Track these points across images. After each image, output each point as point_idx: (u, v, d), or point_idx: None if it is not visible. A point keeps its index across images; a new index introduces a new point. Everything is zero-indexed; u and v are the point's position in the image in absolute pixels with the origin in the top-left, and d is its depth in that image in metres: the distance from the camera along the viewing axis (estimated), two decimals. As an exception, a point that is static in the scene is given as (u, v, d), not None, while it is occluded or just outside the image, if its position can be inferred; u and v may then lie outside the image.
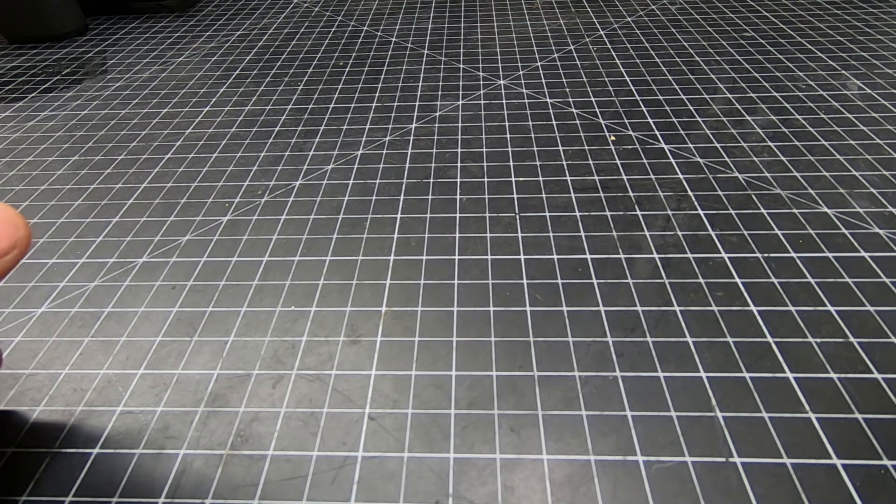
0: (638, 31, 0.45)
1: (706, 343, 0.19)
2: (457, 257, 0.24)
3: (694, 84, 0.37)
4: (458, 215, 0.26)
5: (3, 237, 0.14)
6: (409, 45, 0.45)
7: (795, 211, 0.25)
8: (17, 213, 0.15)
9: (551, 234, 0.25)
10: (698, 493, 0.15)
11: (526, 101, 0.36)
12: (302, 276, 0.23)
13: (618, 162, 0.29)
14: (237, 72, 0.42)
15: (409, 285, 0.22)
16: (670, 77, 0.38)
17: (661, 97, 0.35)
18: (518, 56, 0.42)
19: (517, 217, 0.26)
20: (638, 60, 0.41)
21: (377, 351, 0.20)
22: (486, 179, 0.28)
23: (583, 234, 0.24)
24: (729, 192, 0.27)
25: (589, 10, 0.51)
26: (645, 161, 0.29)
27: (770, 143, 0.30)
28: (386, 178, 0.29)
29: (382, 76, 0.41)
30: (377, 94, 0.38)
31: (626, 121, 0.33)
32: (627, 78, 0.38)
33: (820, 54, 0.40)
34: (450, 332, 0.20)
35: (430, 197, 0.27)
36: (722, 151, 0.30)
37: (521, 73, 0.40)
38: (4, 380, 0.20)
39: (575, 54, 0.42)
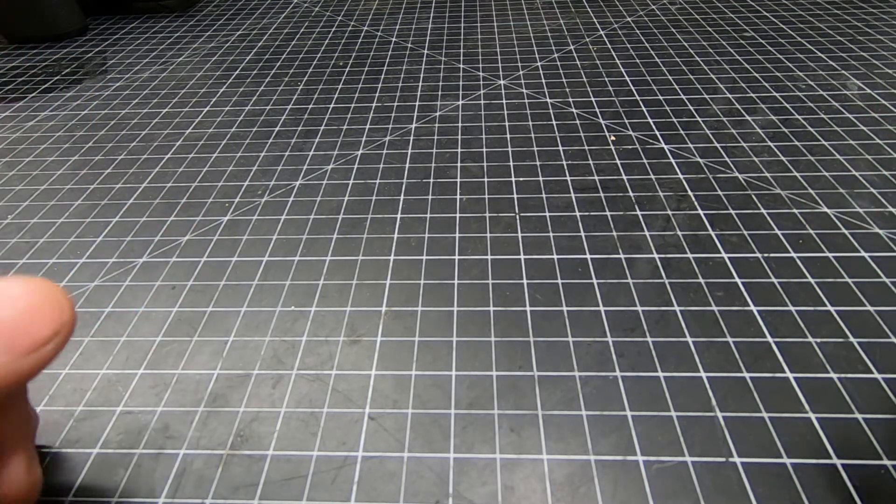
0: (638, 31, 0.45)
1: (706, 343, 0.19)
2: (457, 257, 0.24)
3: (694, 84, 0.37)
4: (458, 215, 0.26)
5: (46, 322, 0.12)
6: (409, 45, 0.45)
7: (795, 211, 0.25)
8: (63, 293, 0.13)
9: (551, 234, 0.25)
10: (698, 493, 0.15)
11: (526, 101, 0.36)
12: (302, 276, 0.23)
13: (618, 162, 0.29)
14: (237, 72, 0.42)
15: (409, 285, 0.22)
16: (670, 77, 0.38)
17: (661, 97, 0.35)
18: (518, 56, 0.42)
19: (517, 217, 0.26)
20: (638, 60, 0.41)
21: (377, 351, 0.20)
22: (486, 179, 0.28)
23: (583, 234, 0.24)
24: (729, 192, 0.27)
25: (589, 10, 0.51)
26: (645, 161, 0.29)
27: (770, 143, 0.30)
28: (386, 178, 0.29)
29: (382, 76, 0.41)
30: (377, 94, 0.38)
31: (626, 121, 0.33)
32: (627, 78, 0.38)
33: (820, 54, 0.40)
34: (450, 332, 0.20)
35: (430, 197, 0.27)
36: (722, 151, 0.30)
37: (521, 73, 0.40)
38: (4, 380, 0.20)
39: (575, 54, 0.42)
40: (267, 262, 0.24)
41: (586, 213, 0.26)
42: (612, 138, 0.31)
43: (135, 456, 0.17)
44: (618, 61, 0.41)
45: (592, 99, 0.36)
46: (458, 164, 0.30)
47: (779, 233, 0.24)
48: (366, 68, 0.42)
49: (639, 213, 0.26)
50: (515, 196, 0.27)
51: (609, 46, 0.43)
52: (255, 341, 0.20)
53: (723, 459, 0.16)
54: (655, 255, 0.23)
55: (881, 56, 0.39)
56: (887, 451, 0.16)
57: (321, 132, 0.34)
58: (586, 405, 0.18)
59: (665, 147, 0.30)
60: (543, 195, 0.27)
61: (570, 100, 0.36)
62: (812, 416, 0.17)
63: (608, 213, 0.26)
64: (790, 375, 0.18)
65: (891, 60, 0.38)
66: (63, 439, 0.17)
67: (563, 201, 0.27)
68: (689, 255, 0.23)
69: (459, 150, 0.31)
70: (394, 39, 0.47)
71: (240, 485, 0.16)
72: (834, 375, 0.18)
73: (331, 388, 0.19)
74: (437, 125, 0.34)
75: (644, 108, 0.34)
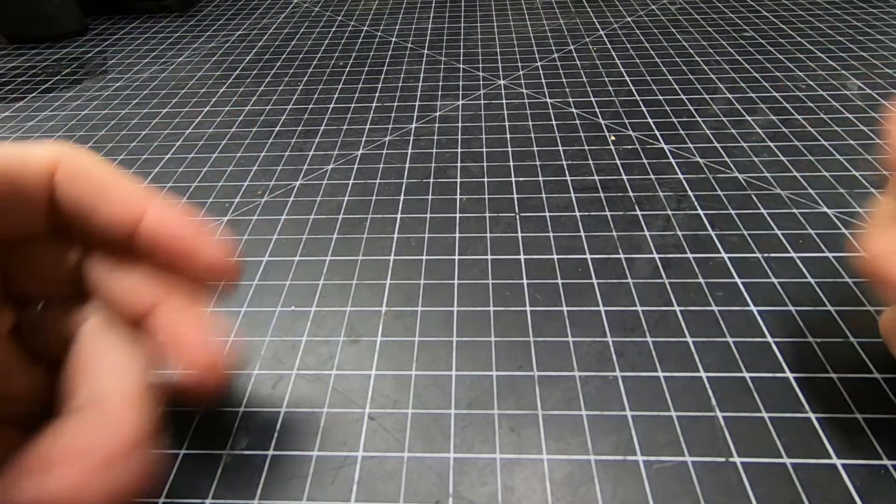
0: (638, 31, 0.45)
1: (706, 343, 0.19)
2: (457, 257, 0.24)
3: (694, 84, 0.37)
4: (458, 215, 0.26)
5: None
6: (409, 45, 0.45)
7: (795, 211, 0.25)
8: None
9: (551, 234, 0.25)
10: (698, 493, 0.15)
11: (526, 101, 0.36)
12: (302, 276, 0.23)
13: (618, 162, 0.29)
14: (237, 72, 0.42)
15: (409, 285, 0.22)
16: (670, 77, 0.38)
17: (661, 97, 0.35)
18: (518, 56, 0.43)
19: (517, 217, 0.26)
20: (638, 60, 0.41)
21: (377, 351, 0.20)
22: (486, 179, 0.28)
23: (583, 234, 0.24)
24: (729, 192, 0.27)
25: (589, 10, 0.51)
26: (645, 161, 0.29)
27: (770, 143, 0.30)
28: (386, 178, 0.29)
29: (382, 76, 0.41)
30: (377, 94, 0.38)
31: (626, 121, 0.33)
32: (627, 78, 0.38)
33: (820, 54, 0.40)
34: (450, 332, 0.20)
35: (430, 197, 0.27)
36: (722, 151, 0.30)
37: (521, 73, 0.40)
38: (4, 380, 0.20)
39: (575, 54, 0.42)
40: (267, 262, 0.24)
41: (586, 213, 0.26)
42: (612, 138, 0.31)
43: (135, 456, 0.17)
44: (618, 61, 0.41)
45: (592, 99, 0.36)
46: (458, 164, 0.30)
47: (779, 233, 0.24)
48: (366, 68, 0.42)
49: (639, 213, 0.26)
50: (515, 196, 0.27)
51: (609, 46, 0.43)
52: (255, 341, 0.20)
53: (723, 459, 0.16)
54: (655, 255, 0.23)
55: (881, 56, 0.39)
56: (887, 451, 0.16)
57: (321, 132, 0.34)
58: (586, 405, 0.18)
59: (665, 147, 0.30)
60: (543, 195, 0.27)
61: (570, 100, 0.36)
62: (812, 416, 0.17)
63: (608, 213, 0.26)
64: (790, 375, 0.18)
65: (891, 60, 0.38)
66: (63, 439, 0.17)
67: (563, 201, 0.27)
68: (689, 255, 0.23)
69: (459, 150, 0.31)
70: (394, 39, 0.47)
71: (240, 485, 0.16)
72: (833, 375, 0.18)
73: (331, 388, 0.19)
74: (437, 125, 0.34)
75: (644, 108, 0.34)
